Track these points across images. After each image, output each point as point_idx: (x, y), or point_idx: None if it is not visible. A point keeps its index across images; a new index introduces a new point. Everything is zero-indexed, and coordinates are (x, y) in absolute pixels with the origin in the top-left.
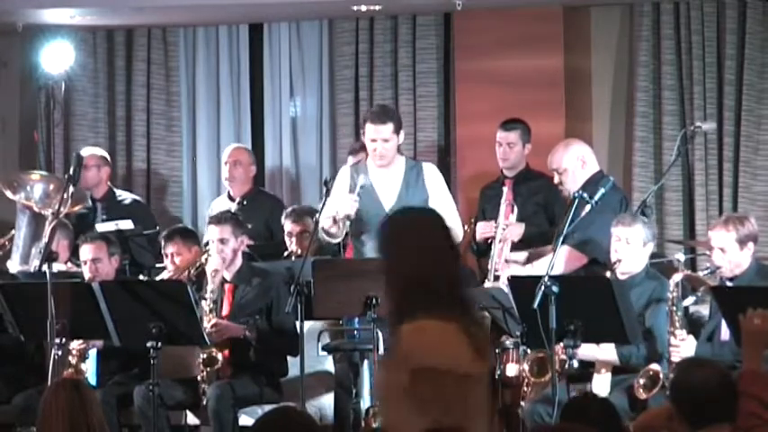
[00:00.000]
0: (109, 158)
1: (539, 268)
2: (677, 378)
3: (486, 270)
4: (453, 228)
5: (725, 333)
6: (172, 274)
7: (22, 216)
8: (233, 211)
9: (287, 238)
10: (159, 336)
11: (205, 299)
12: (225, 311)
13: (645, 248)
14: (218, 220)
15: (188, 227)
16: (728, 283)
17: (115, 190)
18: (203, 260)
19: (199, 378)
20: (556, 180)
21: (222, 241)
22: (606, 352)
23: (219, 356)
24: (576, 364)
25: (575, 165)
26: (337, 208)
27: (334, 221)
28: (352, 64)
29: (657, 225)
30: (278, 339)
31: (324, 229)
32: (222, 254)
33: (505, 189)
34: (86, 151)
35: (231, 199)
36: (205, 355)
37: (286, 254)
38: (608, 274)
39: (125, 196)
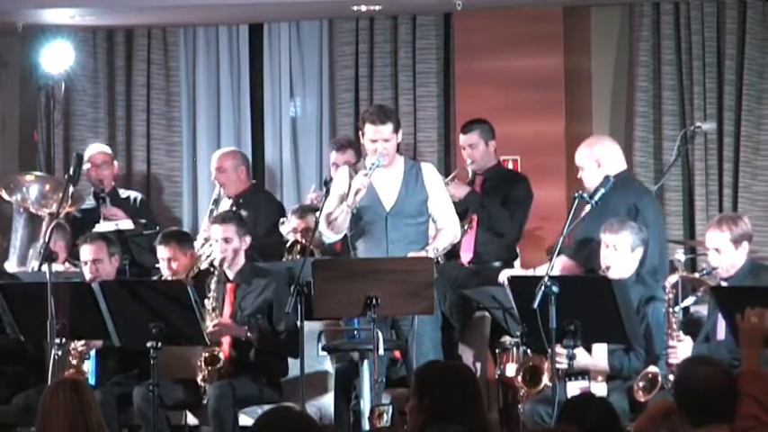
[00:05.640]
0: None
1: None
2: (680, 376)
3: None
4: (451, 227)
5: (721, 332)
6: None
7: (18, 217)
8: (228, 208)
9: (291, 234)
10: (159, 336)
11: (208, 297)
12: (227, 311)
13: (633, 254)
14: (223, 219)
15: (183, 230)
16: (723, 283)
17: (118, 189)
18: (200, 265)
19: (200, 377)
20: (579, 175)
21: (226, 240)
22: (598, 361)
23: (221, 355)
24: (575, 365)
25: (590, 165)
26: (348, 188)
27: (328, 223)
28: (352, 64)
29: None
30: (279, 340)
31: (321, 232)
32: (225, 252)
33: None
34: (95, 148)
35: (229, 197)
36: (207, 354)
37: (288, 244)
38: None
39: (129, 194)
